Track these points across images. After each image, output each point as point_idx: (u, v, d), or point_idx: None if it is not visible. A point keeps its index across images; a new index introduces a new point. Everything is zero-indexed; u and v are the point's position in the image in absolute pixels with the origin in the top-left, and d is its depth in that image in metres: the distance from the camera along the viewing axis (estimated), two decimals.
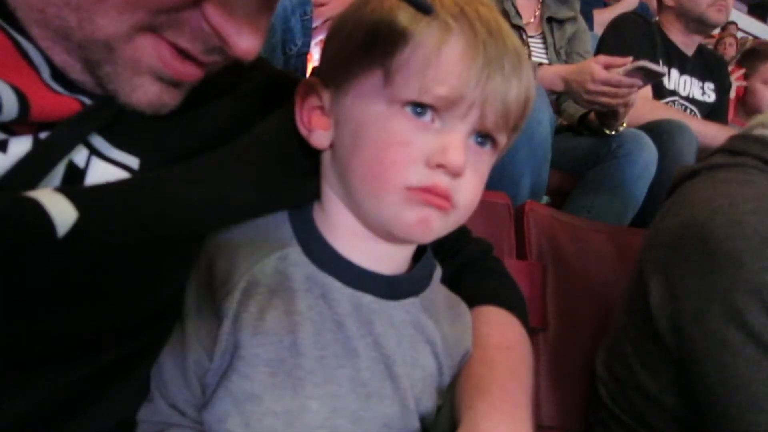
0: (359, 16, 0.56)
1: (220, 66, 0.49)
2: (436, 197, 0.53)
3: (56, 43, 0.42)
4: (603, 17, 3.19)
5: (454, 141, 0.52)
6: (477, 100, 0.52)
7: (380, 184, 0.54)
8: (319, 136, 0.58)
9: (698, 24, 2.12)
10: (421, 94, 0.51)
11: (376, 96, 0.54)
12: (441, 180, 0.53)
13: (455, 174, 0.53)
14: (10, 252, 0.39)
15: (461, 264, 0.73)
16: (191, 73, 0.47)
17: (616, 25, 2.21)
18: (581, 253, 1.25)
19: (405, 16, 0.52)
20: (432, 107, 0.52)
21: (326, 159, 0.60)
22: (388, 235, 0.57)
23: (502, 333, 0.66)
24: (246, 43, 0.45)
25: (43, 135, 0.43)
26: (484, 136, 0.55)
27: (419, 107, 0.52)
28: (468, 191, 0.55)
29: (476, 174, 0.56)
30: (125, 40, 0.42)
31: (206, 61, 0.47)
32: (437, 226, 0.55)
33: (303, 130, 0.59)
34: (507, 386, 0.59)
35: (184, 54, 0.46)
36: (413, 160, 0.52)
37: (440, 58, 0.51)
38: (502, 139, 0.57)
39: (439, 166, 0.52)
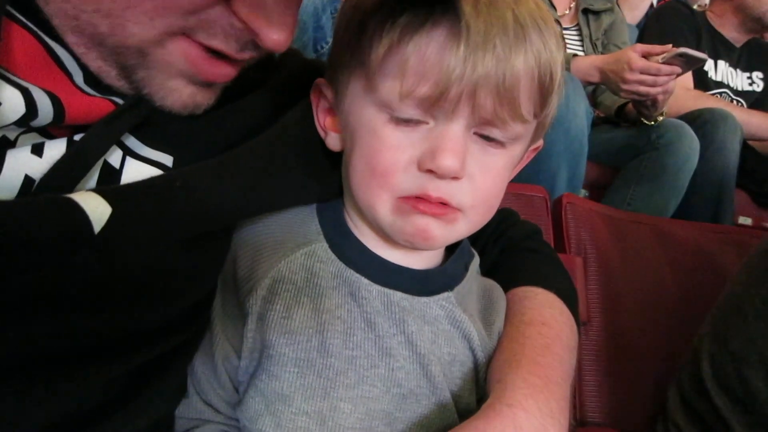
0: (351, 6, 0.53)
1: (254, 61, 0.49)
2: (429, 205, 0.50)
3: (91, 50, 0.43)
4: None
5: (443, 142, 0.47)
6: (465, 91, 0.46)
7: (373, 194, 0.51)
8: (333, 139, 0.57)
9: (756, 23, 2.06)
10: (402, 99, 0.47)
11: (365, 100, 0.51)
12: (433, 186, 0.49)
13: (450, 177, 0.49)
14: (49, 250, 0.39)
15: (502, 248, 0.71)
16: (224, 73, 0.48)
17: (659, 13, 2.16)
18: (622, 246, 1.21)
19: (386, 7, 0.48)
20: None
21: (344, 159, 0.58)
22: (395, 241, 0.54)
23: (536, 310, 0.63)
24: (277, 34, 0.45)
25: (78, 137, 0.44)
26: (488, 129, 0.50)
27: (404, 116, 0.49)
28: (474, 192, 0.51)
29: (485, 172, 0.51)
30: (157, 45, 0.43)
31: (241, 59, 0.47)
32: (439, 234, 0.52)
33: (321, 132, 0.58)
34: (539, 360, 0.56)
35: (218, 54, 0.46)
36: (405, 166, 0.49)
37: (417, 55, 0.46)
38: (513, 129, 0.50)
39: (430, 171, 0.48)
